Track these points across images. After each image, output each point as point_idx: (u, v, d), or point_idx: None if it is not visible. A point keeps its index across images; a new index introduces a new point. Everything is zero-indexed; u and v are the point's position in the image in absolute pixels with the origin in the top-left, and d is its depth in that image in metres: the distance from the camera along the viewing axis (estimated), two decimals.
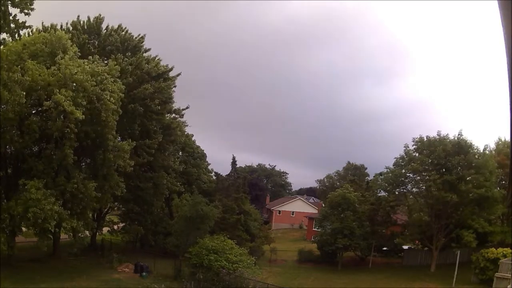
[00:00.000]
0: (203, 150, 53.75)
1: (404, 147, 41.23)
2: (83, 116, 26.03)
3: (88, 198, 27.89)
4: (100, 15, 37.29)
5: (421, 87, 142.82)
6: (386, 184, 42.74)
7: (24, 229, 27.83)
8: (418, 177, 40.83)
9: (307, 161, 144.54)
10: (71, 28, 36.19)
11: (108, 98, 27.64)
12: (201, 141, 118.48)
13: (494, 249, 33.48)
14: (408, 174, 41.37)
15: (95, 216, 38.05)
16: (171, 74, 39.37)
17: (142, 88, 35.23)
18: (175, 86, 39.62)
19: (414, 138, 40.71)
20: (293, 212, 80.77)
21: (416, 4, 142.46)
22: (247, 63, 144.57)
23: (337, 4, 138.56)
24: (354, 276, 39.01)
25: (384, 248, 45.30)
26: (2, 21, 18.93)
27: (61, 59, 27.27)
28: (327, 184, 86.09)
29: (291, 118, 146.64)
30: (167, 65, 38.86)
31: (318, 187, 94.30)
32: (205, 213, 34.51)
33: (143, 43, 38.73)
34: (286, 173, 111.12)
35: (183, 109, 41.66)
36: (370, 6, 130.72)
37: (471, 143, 38.62)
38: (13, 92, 24.30)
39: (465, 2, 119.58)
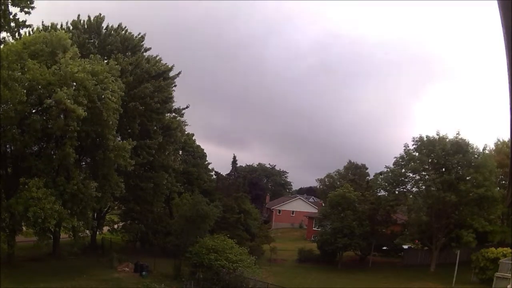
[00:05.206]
0: (203, 150, 53.85)
1: (404, 146, 41.33)
2: (86, 113, 26.00)
3: (88, 198, 27.88)
4: (100, 14, 37.27)
5: (421, 87, 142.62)
6: (386, 184, 42.77)
7: (24, 228, 27.84)
8: (418, 177, 40.88)
9: (308, 160, 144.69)
10: (71, 28, 36.19)
11: (110, 97, 27.63)
12: (201, 140, 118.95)
13: (494, 249, 33.52)
14: (407, 174, 41.42)
15: (95, 215, 38.06)
16: (172, 73, 39.40)
17: (142, 87, 35.24)
18: (175, 85, 39.70)
19: (413, 138, 40.80)
20: (293, 211, 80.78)
21: (416, 4, 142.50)
22: (247, 61, 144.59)
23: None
24: (354, 275, 39.03)
25: (384, 248, 45.31)
26: (2, 20, 18.90)
27: (61, 59, 27.26)
28: (327, 183, 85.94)
29: (292, 117, 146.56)
30: (166, 64, 38.85)
31: (318, 186, 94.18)
32: (205, 213, 34.53)
33: (143, 42, 38.74)
34: (286, 173, 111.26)
35: (183, 109, 41.71)
36: (369, 5, 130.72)
37: (469, 143, 38.74)
38: (13, 90, 24.28)
39: (465, 2, 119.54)
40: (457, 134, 39.05)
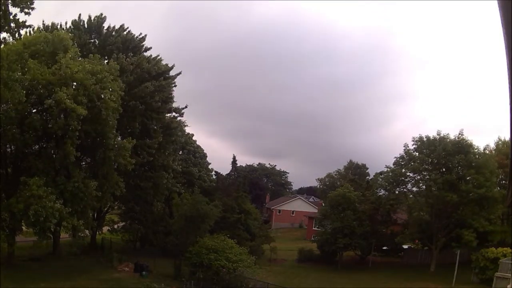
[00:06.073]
0: (204, 150, 53.91)
1: (404, 146, 41.31)
2: (86, 111, 26.01)
3: (89, 198, 27.87)
4: (101, 14, 37.27)
5: (421, 87, 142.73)
6: (386, 184, 42.74)
7: (24, 228, 27.83)
8: (418, 177, 40.85)
9: (308, 160, 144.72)
10: (72, 28, 36.18)
11: (109, 96, 27.63)
12: (201, 140, 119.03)
13: (494, 249, 33.49)
14: (408, 174, 41.40)
15: (95, 215, 38.07)
16: (172, 73, 39.39)
17: (142, 86, 35.24)
18: (175, 85, 39.70)
19: (414, 138, 40.78)
20: (293, 211, 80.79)
21: (416, 4, 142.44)
22: (248, 61, 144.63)
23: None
24: (354, 275, 39.03)
25: (384, 248, 45.30)
26: (2, 20, 18.93)
27: (62, 59, 27.27)
28: (327, 183, 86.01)
29: (292, 117, 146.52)
30: (167, 64, 38.84)
31: (318, 186, 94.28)
32: (205, 212, 34.50)
33: (144, 42, 38.75)
34: (287, 172, 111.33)
35: (182, 108, 41.71)
36: (369, 3, 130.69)
37: (471, 143, 38.67)
38: (14, 90, 24.28)
39: (465, 2, 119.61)
40: (459, 134, 38.99)
